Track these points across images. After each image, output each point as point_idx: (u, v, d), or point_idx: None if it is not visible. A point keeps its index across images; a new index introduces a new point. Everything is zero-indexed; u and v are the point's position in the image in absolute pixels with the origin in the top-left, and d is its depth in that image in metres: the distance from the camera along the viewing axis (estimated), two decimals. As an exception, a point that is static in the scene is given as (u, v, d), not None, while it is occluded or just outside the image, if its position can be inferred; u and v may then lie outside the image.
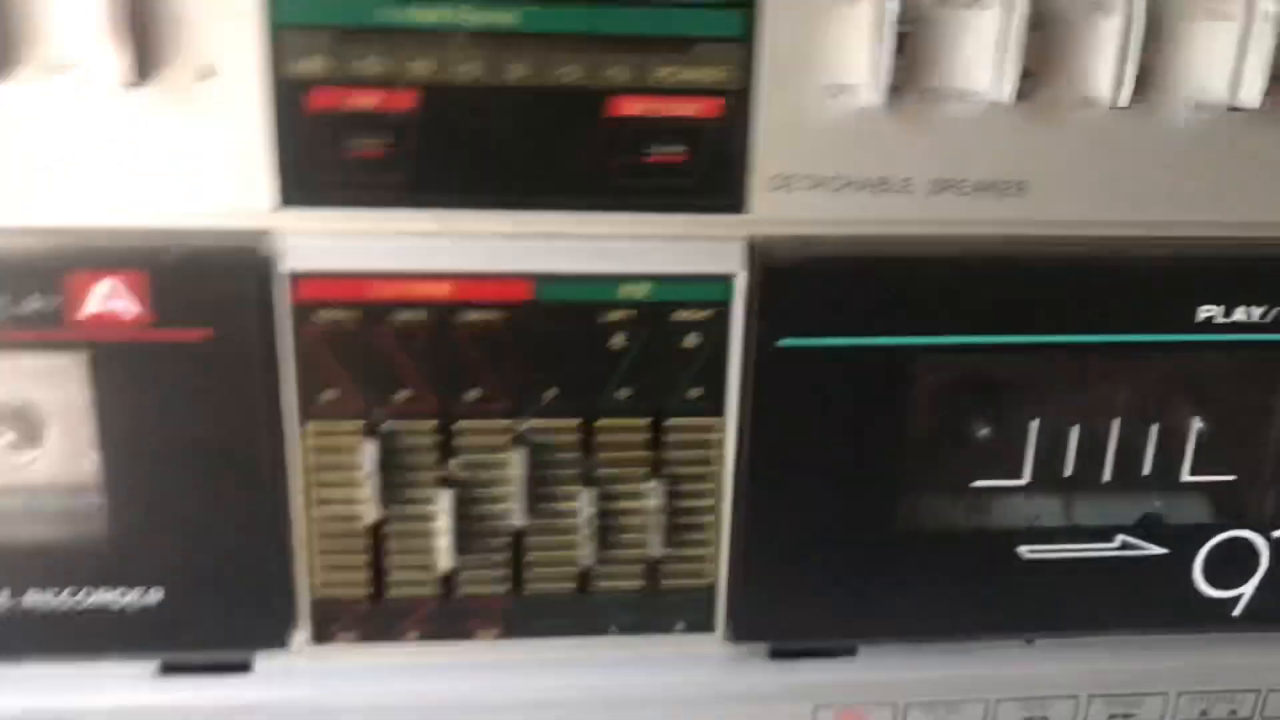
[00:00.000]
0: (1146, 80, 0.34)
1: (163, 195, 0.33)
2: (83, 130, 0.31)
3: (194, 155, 0.32)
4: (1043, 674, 0.42)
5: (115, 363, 0.34)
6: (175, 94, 0.31)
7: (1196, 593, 0.41)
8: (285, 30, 0.31)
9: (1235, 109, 0.35)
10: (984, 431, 0.39)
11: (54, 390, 0.35)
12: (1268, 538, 0.40)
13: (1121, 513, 0.40)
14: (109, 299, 0.32)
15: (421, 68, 0.31)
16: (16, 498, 0.36)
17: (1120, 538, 0.40)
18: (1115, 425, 0.39)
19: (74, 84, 0.31)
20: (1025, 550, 0.39)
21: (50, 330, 0.33)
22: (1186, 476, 0.39)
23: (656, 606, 0.39)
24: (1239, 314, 0.37)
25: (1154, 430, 0.39)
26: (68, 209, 0.32)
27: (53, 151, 0.32)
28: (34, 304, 0.33)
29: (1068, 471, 0.39)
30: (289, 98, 0.31)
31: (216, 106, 0.31)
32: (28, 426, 0.36)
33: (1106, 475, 0.39)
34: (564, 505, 0.37)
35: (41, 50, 0.31)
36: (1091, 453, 0.39)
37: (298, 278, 0.33)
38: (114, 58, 0.30)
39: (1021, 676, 0.41)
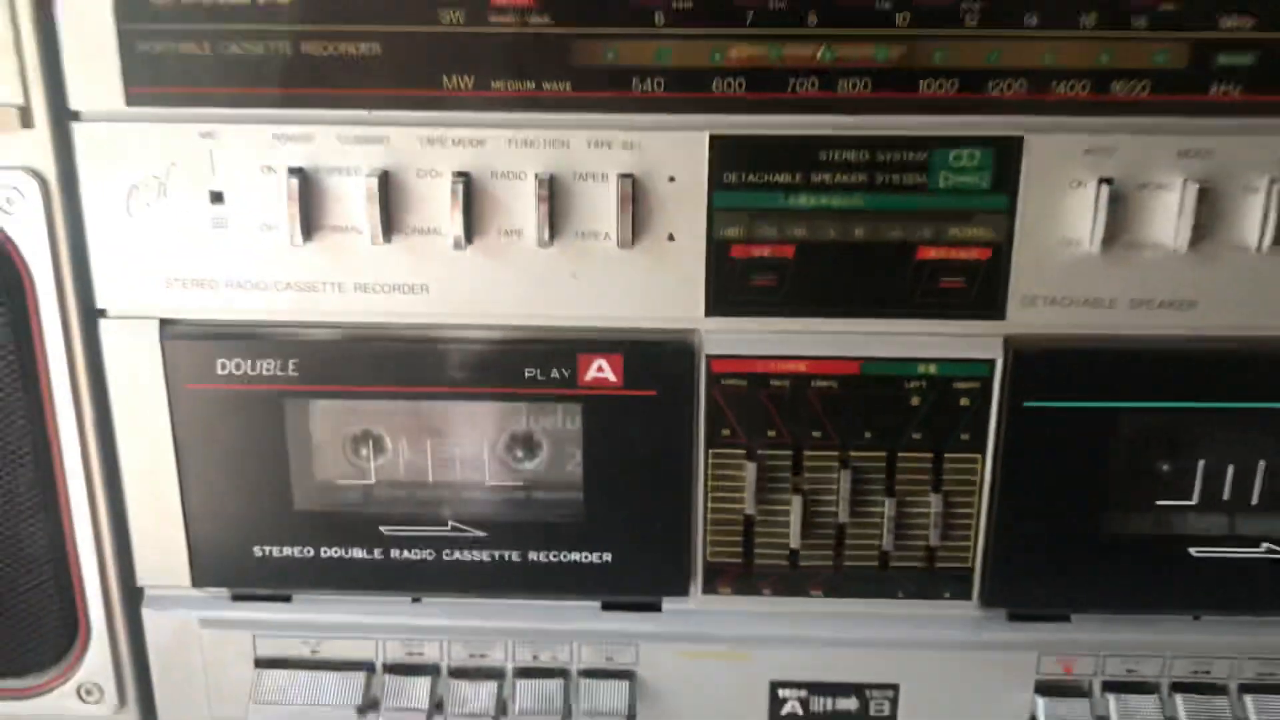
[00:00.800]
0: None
1: (640, 309, 0.49)
2: (595, 275, 0.48)
3: (661, 287, 0.48)
4: (1206, 641, 0.53)
5: (598, 409, 0.50)
6: (651, 251, 0.48)
7: None
8: (719, 212, 0.47)
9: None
10: (1165, 467, 0.52)
11: (549, 425, 0.54)
12: None
13: (1265, 526, 0.52)
14: (599, 371, 0.50)
15: (798, 232, 0.48)
16: (520, 490, 0.54)
17: (1265, 544, 0.52)
18: (1260, 464, 0.51)
19: (597, 244, 0.47)
20: (1194, 551, 0.52)
21: (565, 388, 0.50)
22: None
23: (932, 580, 0.53)
24: None
25: None
26: (582, 316, 0.49)
27: (577, 286, 0.48)
28: (556, 372, 0.50)
29: (1226, 495, 0.52)
30: (718, 252, 0.48)
31: (676, 259, 0.48)
32: (529, 447, 0.54)
33: (1255, 500, 0.52)
34: (874, 509, 0.51)
35: (574, 225, 0.48)
36: (1244, 483, 0.51)
37: (712, 358, 0.49)
38: (621, 235, 0.47)
39: (1190, 642, 0.53)
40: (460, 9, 0.44)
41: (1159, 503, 0.52)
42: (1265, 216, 0.46)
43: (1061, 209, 0.47)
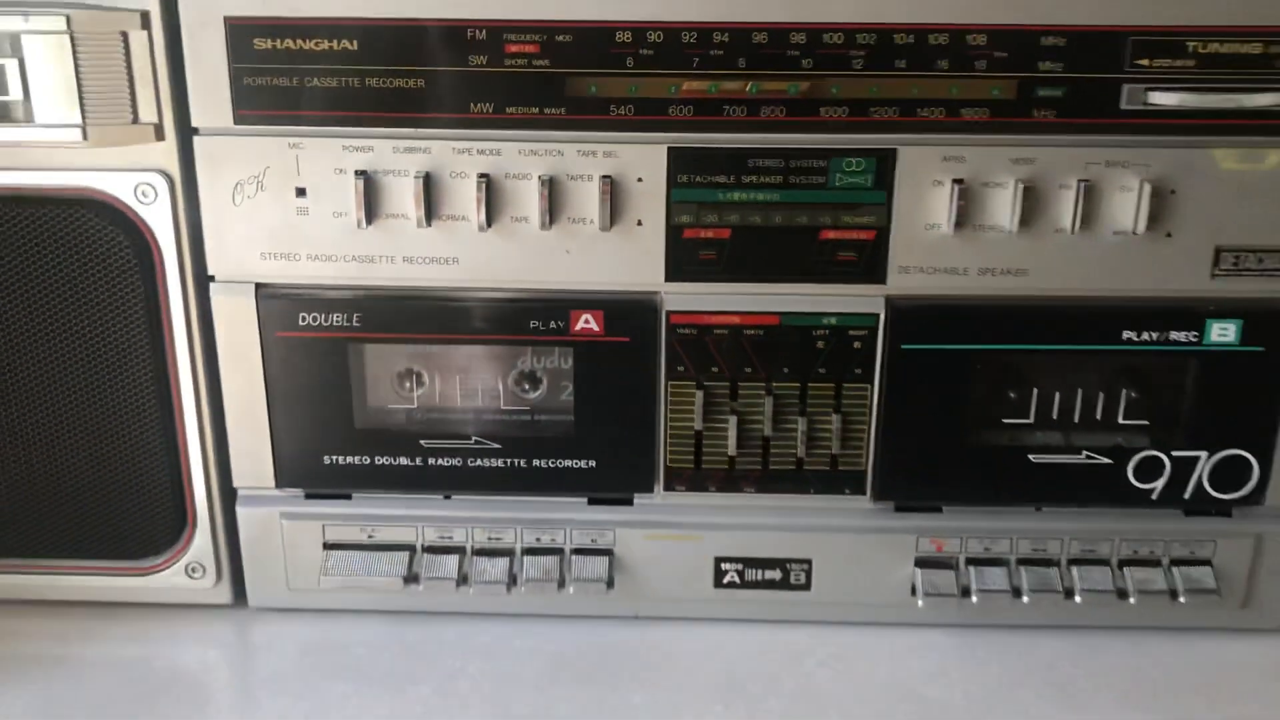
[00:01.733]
0: (1089, 219, 0.58)
1: (617, 276, 0.59)
2: (583, 250, 0.59)
3: (632, 260, 0.59)
4: (1043, 527, 0.64)
5: (585, 352, 0.61)
6: (624, 233, 0.58)
7: (1130, 485, 0.63)
8: (674, 204, 0.58)
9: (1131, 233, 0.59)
10: (1011, 394, 0.62)
11: (548, 364, 0.65)
12: (1168, 455, 0.63)
13: (1084, 439, 0.63)
14: (586, 323, 0.61)
15: (732, 219, 0.58)
16: (526, 413, 0.64)
17: (1084, 452, 0.63)
18: (1082, 392, 0.62)
19: (584, 228, 0.59)
20: (1033, 457, 0.63)
21: (559, 336, 0.61)
22: (1122, 420, 0.63)
23: (836, 480, 0.63)
24: (1145, 336, 0.61)
25: (1103, 395, 0.62)
26: (575, 281, 0.60)
27: (569, 259, 0.59)
28: (553, 323, 0.61)
29: (1054, 415, 0.62)
30: (674, 234, 0.59)
31: (643, 239, 0.59)
32: (533, 381, 0.65)
33: (1076, 419, 0.63)
34: (791, 426, 0.62)
35: (567, 213, 0.61)
36: (1068, 406, 0.62)
37: (670, 313, 0.60)
38: (602, 221, 0.59)
39: (1031, 527, 0.64)
40: (484, 54, 0.56)
41: (1005, 421, 0.63)
42: (1075, 207, 0.57)
43: (926, 202, 0.58)
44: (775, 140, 0.58)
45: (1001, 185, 0.58)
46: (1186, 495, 0.64)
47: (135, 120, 0.58)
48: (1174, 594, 0.64)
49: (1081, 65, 0.57)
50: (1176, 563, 0.65)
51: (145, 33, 0.57)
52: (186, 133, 0.59)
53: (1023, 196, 0.58)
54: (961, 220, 0.58)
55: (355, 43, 0.57)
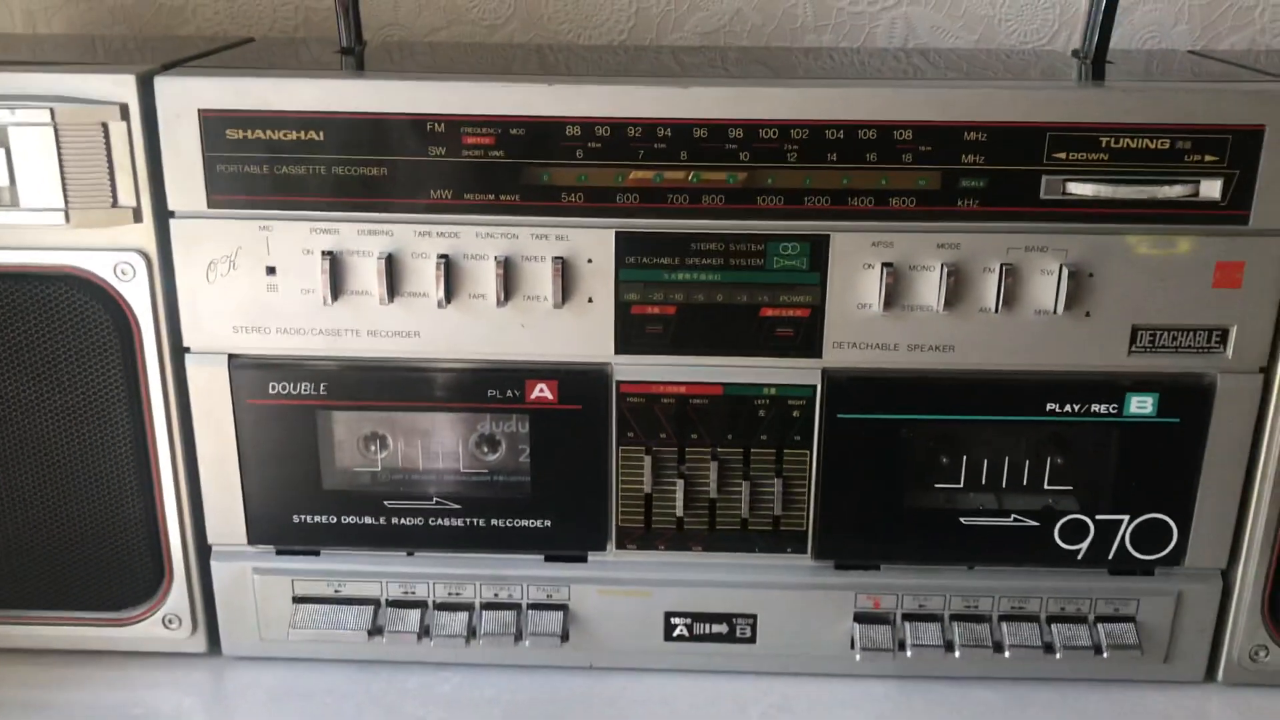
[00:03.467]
0: (1012, 299, 0.62)
1: (570, 349, 0.62)
2: (537, 325, 0.62)
3: (584, 334, 0.62)
4: (975, 585, 0.67)
5: (540, 418, 0.64)
6: (576, 309, 0.61)
7: (1056, 546, 0.66)
8: (622, 283, 0.61)
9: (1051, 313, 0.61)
10: (942, 459, 0.65)
11: (506, 429, 0.68)
12: (1093, 518, 0.66)
13: (1011, 502, 0.66)
14: (541, 391, 0.64)
15: (677, 297, 0.62)
16: (485, 475, 0.67)
17: (1012, 515, 0.66)
18: (1010, 459, 0.65)
19: (539, 304, 0.62)
20: (964, 519, 0.66)
21: (516, 404, 0.64)
22: (1049, 485, 0.66)
23: (778, 540, 0.66)
24: (1067, 408, 0.63)
25: (1030, 462, 0.65)
26: (530, 353, 0.63)
27: (524, 333, 0.62)
28: (510, 392, 0.63)
29: (983, 481, 0.66)
30: (622, 312, 0.62)
31: (594, 314, 0.62)
32: (491, 444, 0.69)
33: (1004, 484, 0.66)
34: (735, 489, 0.65)
35: (522, 291, 0.65)
36: (995, 472, 0.65)
37: (620, 383, 0.63)
38: (555, 299, 0.62)
39: (963, 585, 0.67)
40: (442, 146, 0.60)
41: (938, 485, 0.66)
42: (999, 288, 0.61)
43: (857, 283, 0.61)
44: (716, 226, 0.61)
45: (928, 268, 0.62)
46: (1110, 556, 0.67)
47: (115, 204, 0.62)
48: (1098, 649, 0.67)
49: (1003, 158, 0.60)
50: (1101, 619, 0.68)
51: (125, 124, 0.61)
52: (163, 215, 0.62)
53: (948, 279, 0.61)
54: (891, 300, 0.62)
55: (322, 133, 0.61)
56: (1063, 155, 0.60)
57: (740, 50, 0.82)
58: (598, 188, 0.61)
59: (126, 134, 0.60)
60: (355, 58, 0.68)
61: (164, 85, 0.60)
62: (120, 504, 0.67)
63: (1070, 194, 0.61)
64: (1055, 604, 0.68)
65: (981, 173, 0.60)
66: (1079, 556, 0.67)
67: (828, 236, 0.61)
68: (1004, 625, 0.68)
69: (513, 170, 0.61)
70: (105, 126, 0.60)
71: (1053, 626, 0.68)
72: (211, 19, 0.90)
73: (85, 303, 0.64)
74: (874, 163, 0.60)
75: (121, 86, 0.59)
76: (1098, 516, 0.66)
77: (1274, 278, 0.61)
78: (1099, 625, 0.68)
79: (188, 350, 0.64)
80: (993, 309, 0.62)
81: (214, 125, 0.61)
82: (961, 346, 0.63)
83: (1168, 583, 0.68)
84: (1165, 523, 0.67)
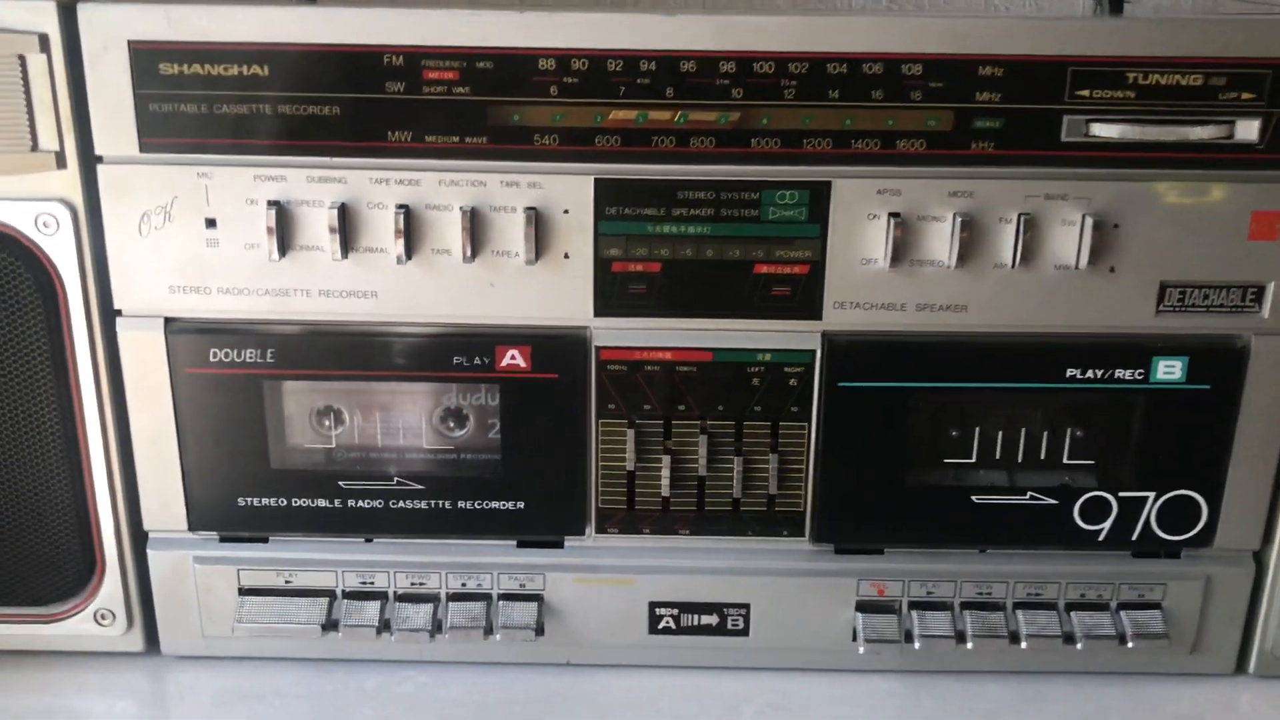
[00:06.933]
0: (1030, 253, 0.58)
1: (544, 311, 0.58)
2: (507, 284, 0.58)
3: (559, 294, 0.58)
4: (987, 569, 0.63)
5: (512, 389, 0.60)
6: (551, 266, 0.57)
7: (1076, 526, 0.62)
8: (602, 236, 0.57)
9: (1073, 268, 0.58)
10: (952, 432, 0.61)
11: (474, 401, 0.64)
12: (1115, 496, 0.62)
13: (1028, 479, 0.62)
14: (512, 359, 0.60)
15: (663, 252, 0.58)
16: (451, 453, 0.63)
17: (1029, 493, 0.61)
18: (1026, 431, 0.61)
19: (509, 261, 0.57)
20: (976, 498, 0.62)
21: (485, 372, 0.59)
22: (1068, 460, 0.62)
23: (773, 522, 0.62)
24: (1089, 373, 0.59)
25: (1048, 434, 0.61)
26: (500, 315, 0.58)
27: (493, 292, 0.58)
28: (478, 359, 0.59)
29: (998, 455, 0.61)
30: (602, 267, 0.58)
31: (571, 272, 0.58)
32: (458, 418, 0.64)
33: (1020, 458, 0.61)
34: (726, 466, 0.61)
35: (491, 246, 0.59)
36: (1011, 445, 0.61)
37: (600, 348, 0.59)
38: (527, 254, 0.57)
39: (975, 570, 0.63)
40: (401, 80, 0.55)
41: (947, 460, 0.62)
42: (1015, 241, 0.56)
43: (861, 236, 0.57)
44: (705, 172, 0.57)
45: (939, 219, 0.57)
46: (1134, 537, 0.63)
47: (35, 148, 0.56)
48: (1122, 638, 0.63)
49: (1021, 96, 0.56)
50: (1124, 606, 0.64)
51: (44, 56, 0.55)
52: (90, 161, 0.57)
53: (961, 231, 0.57)
54: (898, 255, 0.57)
55: (266, 68, 0.56)
56: (1086, 93, 0.56)
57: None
58: (574, 129, 0.56)
59: (47, 68, 0.55)
60: (305, -11, 0.62)
61: (89, 13, 0.55)
62: (45, 487, 0.62)
63: (1094, 136, 0.56)
64: (1075, 590, 0.64)
65: (997, 112, 0.56)
66: (1100, 538, 0.63)
67: (829, 184, 0.57)
68: (1019, 613, 0.63)
69: (479, 109, 0.56)
70: (22, 59, 0.55)
71: (1072, 614, 0.64)
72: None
73: (3, 260, 0.58)
74: (880, 101, 0.56)
75: (40, 15, 0.54)
76: (1121, 494, 0.62)
77: (1315, 229, 0.58)
78: (1122, 613, 0.63)
79: (119, 313, 0.60)
80: (1009, 264, 0.58)
81: (145, 59, 0.55)
82: (975, 306, 0.59)
83: (1196, 566, 0.64)
84: (1194, 500, 0.63)
